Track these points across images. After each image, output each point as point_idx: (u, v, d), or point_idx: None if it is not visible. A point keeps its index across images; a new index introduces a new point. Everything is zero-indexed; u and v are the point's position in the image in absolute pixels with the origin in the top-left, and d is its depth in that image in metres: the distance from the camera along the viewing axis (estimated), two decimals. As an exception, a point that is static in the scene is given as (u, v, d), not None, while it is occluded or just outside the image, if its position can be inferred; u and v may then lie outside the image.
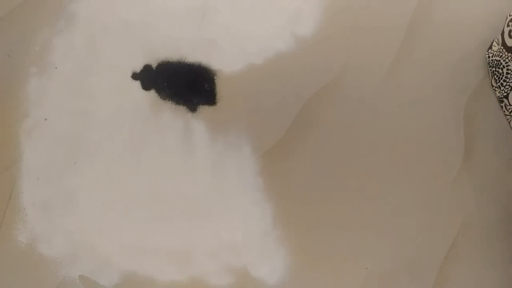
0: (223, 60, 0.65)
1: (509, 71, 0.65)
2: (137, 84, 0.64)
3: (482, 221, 0.63)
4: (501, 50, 0.66)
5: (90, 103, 0.63)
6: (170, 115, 0.63)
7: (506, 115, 0.67)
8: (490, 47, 0.68)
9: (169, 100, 0.64)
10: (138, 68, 0.65)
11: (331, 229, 0.61)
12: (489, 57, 0.68)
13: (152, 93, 0.64)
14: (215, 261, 0.58)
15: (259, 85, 0.65)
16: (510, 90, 0.65)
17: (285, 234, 0.60)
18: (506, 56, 0.65)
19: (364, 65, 0.67)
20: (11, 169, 0.59)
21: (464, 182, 0.64)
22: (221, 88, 0.65)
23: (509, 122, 0.67)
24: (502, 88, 0.67)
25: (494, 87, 0.68)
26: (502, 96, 0.67)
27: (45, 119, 0.62)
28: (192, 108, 0.64)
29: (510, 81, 0.65)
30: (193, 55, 0.66)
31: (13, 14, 0.65)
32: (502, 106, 0.67)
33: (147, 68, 0.65)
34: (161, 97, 0.64)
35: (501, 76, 0.66)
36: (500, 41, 0.66)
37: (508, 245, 0.62)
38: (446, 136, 0.66)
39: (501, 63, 0.66)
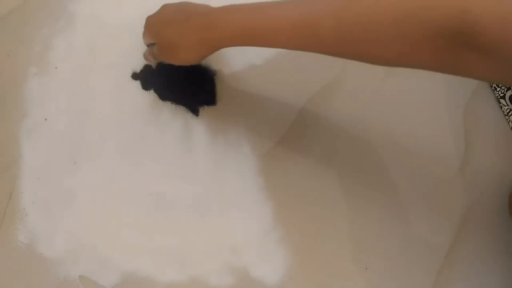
0: (223, 60, 0.65)
1: (507, 72, 0.65)
2: (137, 84, 0.64)
3: (482, 221, 0.63)
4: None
5: (90, 103, 0.63)
6: (170, 115, 0.63)
7: (505, 115, 0.67)
8: (489, 47, 0.68)
9: (169, 100, 0.64)
10: (138, 68, 0.65)
11: (331, 229, 0.61)
12: (487, 57, 0.69)
13: (152, 93, 0.64)
14: (215, 261, 0.58)
15: (259, 85, 0.65)
16: (507, 91, 0.66)
17: (285, 234, 0.60)
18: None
19: (364, 64, 0.67)
20: (11, 169, 0.59)
21: (464, 182, 0.64)
22: (221, 88, 0.65)
23: (508, 123, 0.67)
24: (498, 88, 0.67)
25: (492, 87, 0.68)
26: (499, 96, 0.67)
27: (45, 119, 0.61)
28: (192, 108, 0.64)
29: (507, 82, 0.65)
30: (193, 55, 0.66)
31: (13, 14, 0.65)
32: (501, 106, 0.68)
33: (147, 68, 0.65)
34: (161, 97, 0.64)
35: (498, 77, 0.67)
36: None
37: (508, 245, 0.62)
38: (446, 136, 0.66)
39: (499, 64, 0.66)
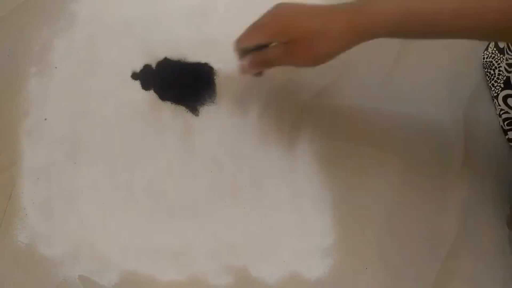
0: (223, 60, 0.66)
1: (501, 72, 0.66)
2: (137, 84, 0.64)
3: (482, 221, 0.63)
4: (494, 51, 0.67)
5: (90, 103, 0.63)
6: (170, 115, 0.63)
7: (497, 114, 0.68)
8: (486, 49, 0.69)
9: (169, 100, 0.64)
10: (138, 68, 0.65)
11: (331, 228, 0.61)
12: (484, 58, 0.69)
13: (152, 93, 0.64)
14: (215, 261, 0.58)
15: (259, 85, 0.66)
16: (500, 91, 0.66)
17: (284, 234, 0.60)
18: (499, 58, 0.66)
19: (364, 65, 0.68)
20: (11, 169, 0.59)
21: (464, 182, 0.64)
22: (221, 88, 0.65)
23: (499, 122, 0.67)
24: (493, 88, 0.68)
25: (489, 85, 0.69)
26: (493, 96, 0.68)
27: (45, 119, 0.61)
28: (192, 108, 0.64)
29: (500, 82, 0.66)
30: (193, 55, 0.66)
31: (13, 14, 0.65)
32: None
33: (147, 68, 0.65)
34: (161, 97, 0.64)
35: (492, 77, 0.67)
36: (494, 42, 0.67)
37: (508, 245, 0.62)
38: (446, 136, 0.66)
39: (494, 64, 0.67)
